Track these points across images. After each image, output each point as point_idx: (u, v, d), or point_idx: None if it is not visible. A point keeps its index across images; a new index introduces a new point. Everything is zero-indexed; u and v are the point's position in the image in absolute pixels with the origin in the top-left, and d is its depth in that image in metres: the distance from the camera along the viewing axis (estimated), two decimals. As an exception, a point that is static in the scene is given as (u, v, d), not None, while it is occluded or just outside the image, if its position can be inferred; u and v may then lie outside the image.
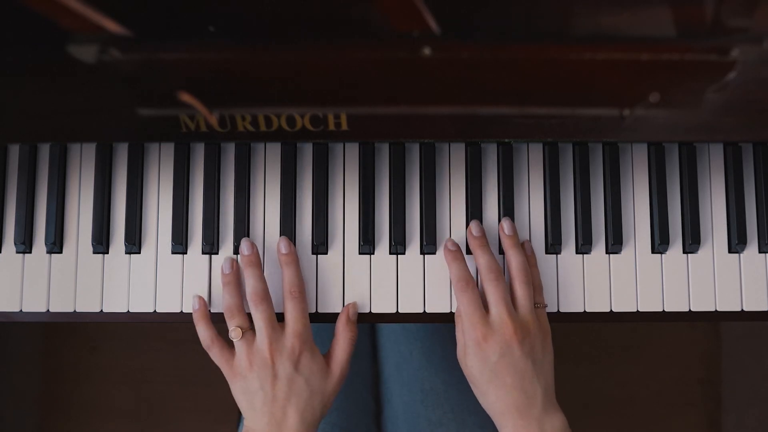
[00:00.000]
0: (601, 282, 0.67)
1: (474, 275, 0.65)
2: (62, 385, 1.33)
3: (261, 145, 0.68)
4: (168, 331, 1.33)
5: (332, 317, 0.66)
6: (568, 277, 0.67)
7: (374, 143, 0.68)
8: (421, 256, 0.67)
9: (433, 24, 0.50)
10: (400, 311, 0.66)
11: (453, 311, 0.66)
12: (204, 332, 0.64)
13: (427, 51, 0.52)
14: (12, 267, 0.67)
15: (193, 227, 0.67)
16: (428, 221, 0.67)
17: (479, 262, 0.64)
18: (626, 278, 0.67)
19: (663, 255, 0.68)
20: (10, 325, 1.24)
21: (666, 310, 0.67)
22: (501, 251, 0.67)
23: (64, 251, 0.67)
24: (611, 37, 0.52)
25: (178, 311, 0.66)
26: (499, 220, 0.67)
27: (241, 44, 0.52)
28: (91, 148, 0.68)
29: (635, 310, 0.67)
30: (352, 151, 0.68)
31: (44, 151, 0.68)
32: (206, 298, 0.66)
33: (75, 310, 0.66)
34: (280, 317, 0.64)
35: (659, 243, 0.67)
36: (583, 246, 0.67)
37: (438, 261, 0.67)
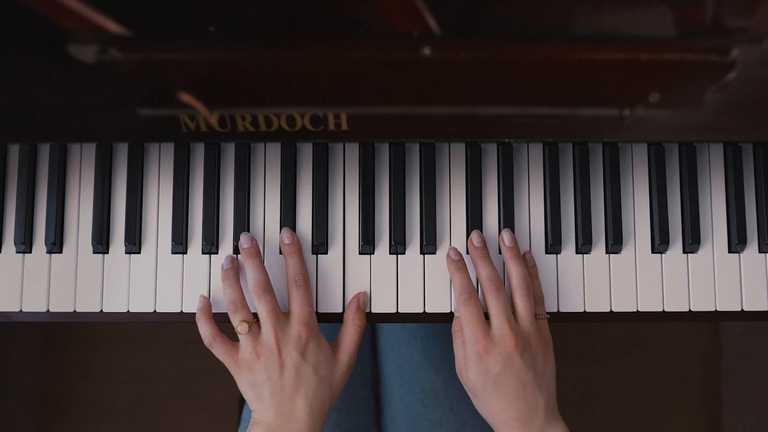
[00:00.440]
0: (601, 282, 0.67)
1: (474, 282, 0.65)
2: (62, 385, 1.33)
3: (261, 145, 0.68)
4: (168, 331, 1.33)
5: (333, 317, 0.66)
6: (568, 277, 0.67)
7: (374, 143, 0.68)
8: (421, 256, 0.67)
9: (433, 24, 0.50)
10: (400, 311, 0.66)
11: (453, 311, 0.66)
12: (206, 329, 0.64)
13: (427, 51, 0.52)
14: (12, 267, 0.67)
15: (193, 227, 0.67)
16: (428, 221, 0.67)
17: (480, 273, 0.64)
18: (626, 278, 0.67)
19: (663, 255, 0.67)
20: (10, 325, 1.24)
21: (666, 310, 0.67)
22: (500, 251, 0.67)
23: (64, 251, 0.67)
24: (611, 37, 0.52)
25: (178, 311, 0.66)
26: (500, 221, 0.67)
27: (241, 44, 0.52)
28: (91, 148, 0.68)
29: (635, 310, 0.67)
30: (352, 151, 0.68)
31: (44, 151, 0.68)
32: (206, 294, 0.66)
33: (75, 310, 0.66)
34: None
35: (659, 243, 0.67)
36: (583, 246, 0.67)
37: (438, 261, 0.67)
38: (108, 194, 0.67)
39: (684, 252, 0.68)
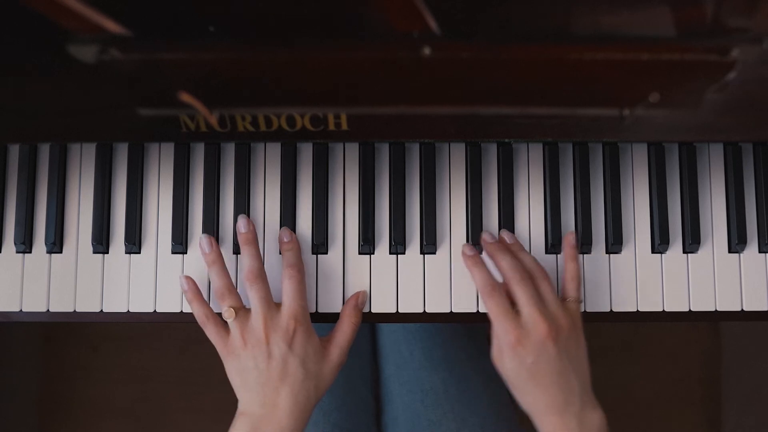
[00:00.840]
0: (601, 282, 0.67)
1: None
2: (62, 385, 1.33)
3: (261, 145, 0.68)
4: (168, 331, 1.33)
5: (333, 317, 0.66)
6: (568, 277, 0.67)
7: (374, 143, 0.68)
8: (421, 256, 0.67)
9: (433, 24, 0.50)
10: (400, 311, 0.66)
11: (453, 311, 0.66)
12: (198, 309, 0.63)
13: (427, 51, 0.52)
14: (12, 267, 0.67)
15: (193, 227, 0.67)
16: (428, 221, 0.67)
17: (501, 264, 0.63)
18: (626, 278, 0.67)
19: (663, 255, 0.68)
20: (10, 325, 1.24)
21: (666, 310, 0.67)
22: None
23: (64, 251, 0.67)
24: (611, 37, 0.52)
25: (178, 311, 0.66)
26: (500, 220, 0.67)
27: (241, 44, 0.52)
28: (91, 148, 0.68)
29: (635, 310, 0.67)
30: (352, 151, 0.68)
31: (44, 151, 0.68)
32: (206, 298, 0.66)
33: (75, 310, 0.66)
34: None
35: (659, 243, 0.67)
36: (583, 246, 0.67)
37: (438, 261, 0.67)
38: (108, 194, 0.67)
39: (684, 252, 0.68)
